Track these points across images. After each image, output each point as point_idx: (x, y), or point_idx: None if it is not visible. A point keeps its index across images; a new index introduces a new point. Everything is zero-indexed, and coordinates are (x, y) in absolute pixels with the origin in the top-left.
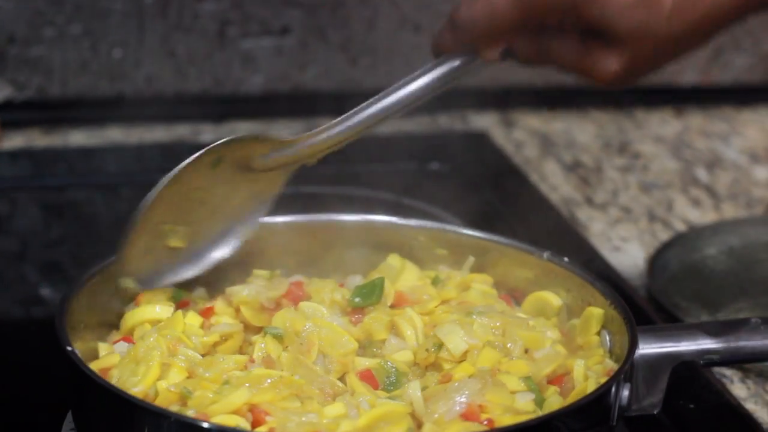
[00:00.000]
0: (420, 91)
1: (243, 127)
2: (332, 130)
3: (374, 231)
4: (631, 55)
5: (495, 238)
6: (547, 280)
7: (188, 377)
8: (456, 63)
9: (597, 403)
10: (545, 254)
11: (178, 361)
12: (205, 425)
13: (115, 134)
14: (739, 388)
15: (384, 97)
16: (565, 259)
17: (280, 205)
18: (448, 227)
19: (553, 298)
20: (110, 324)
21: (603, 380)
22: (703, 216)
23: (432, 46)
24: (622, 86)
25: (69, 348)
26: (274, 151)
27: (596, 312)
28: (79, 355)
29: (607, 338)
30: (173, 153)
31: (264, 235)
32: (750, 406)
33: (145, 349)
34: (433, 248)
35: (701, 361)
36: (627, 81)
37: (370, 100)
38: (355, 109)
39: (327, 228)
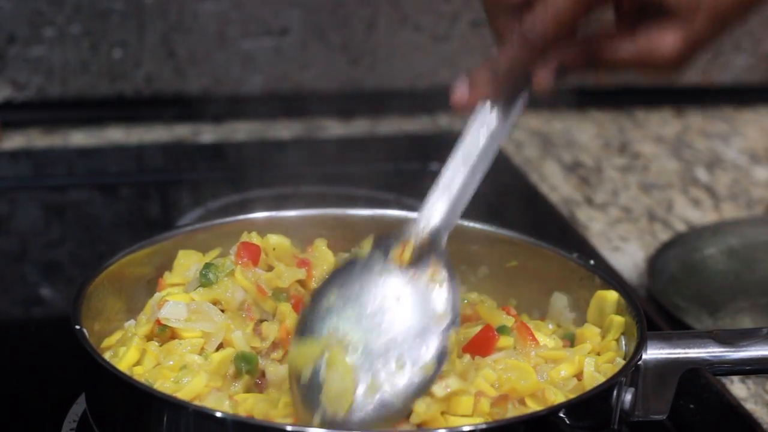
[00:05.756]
0: (495, 141)
1: (243, 127)
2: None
3: (385, 225)
4: (687, 29)
5: (522, 237)
6: (569, 281)
7: (157, 364)
8: (513, 102)
9: (597, 401)
10: (574, 255)
11: (151, 346)
12: (219, 415)
13: (115, 134)
14: (739, 388)
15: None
16: (591, 261)
17: (287, 203)
18: (479, 226)
19: (609, 294)
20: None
21: None
22: (703, 216)
23: (494, 81)
24: (683, 68)
25: (77, 327)
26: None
27: (609, 296)
28: (87, 334)
29: (623, 342)
30: (173, 153)
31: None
32: (750, 406)
33: (131, 331)
34: (459, 245)
35: (710, 370)
36: (687, 60)
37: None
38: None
39: (342, 222)
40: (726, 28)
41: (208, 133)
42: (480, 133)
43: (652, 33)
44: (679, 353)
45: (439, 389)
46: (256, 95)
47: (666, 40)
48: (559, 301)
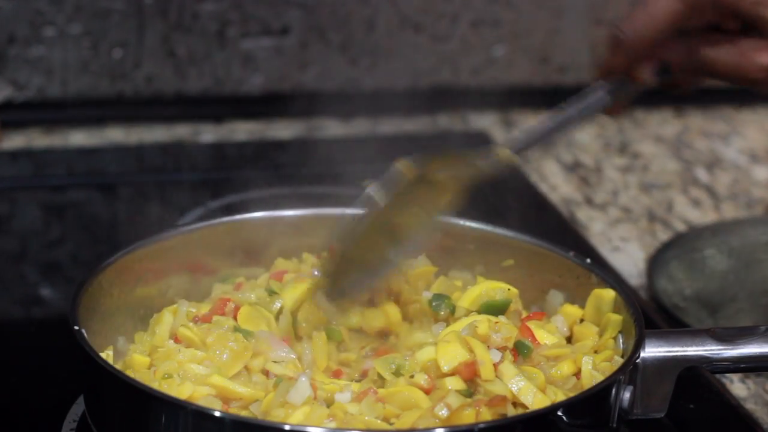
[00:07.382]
0: (574, 119)
1: (243, 127)
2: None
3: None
4: None
5: (518, 236)
6: (565, 279)
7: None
8: (609, 89)
9: (595, 399)
10: (570, 254)
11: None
12: (218, 414)
13: (115, 134)
14: (739, 388)
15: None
16: (588, 260)
17: (287, 203)
18: (474, 225)
19: (606, 293)
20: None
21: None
22: (703, 216)
23: (597, 73)
24: None
25: (76, 327)
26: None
27: (606, 294)
28: (85, 335)
29: (621, 340)
30: (173, 153)
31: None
32: (750, 406)
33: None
34: (454, 245)
35: (708, 368)
36: None
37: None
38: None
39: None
40: None
41: (208, 133)
42: (578, 104)
43: (748, 48)
44: (676, 351)
45: (440, 411)
46: (256, 95)
47: (762, 57)
48: (556, 298)
